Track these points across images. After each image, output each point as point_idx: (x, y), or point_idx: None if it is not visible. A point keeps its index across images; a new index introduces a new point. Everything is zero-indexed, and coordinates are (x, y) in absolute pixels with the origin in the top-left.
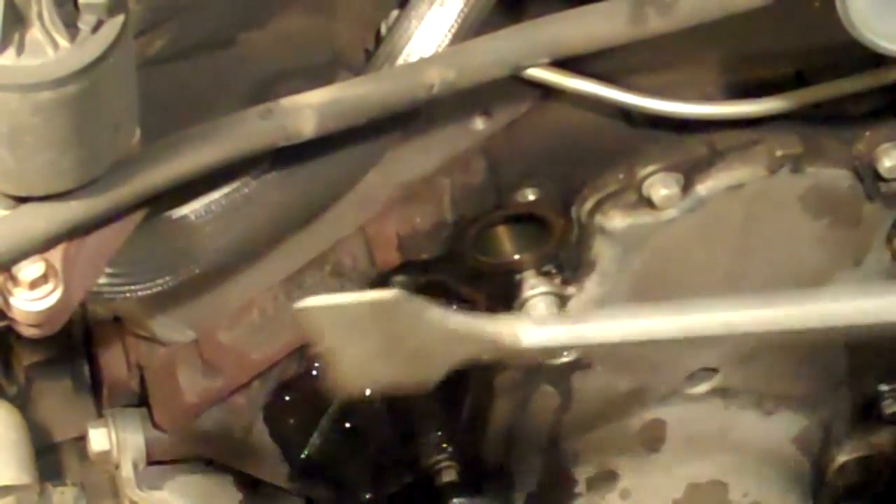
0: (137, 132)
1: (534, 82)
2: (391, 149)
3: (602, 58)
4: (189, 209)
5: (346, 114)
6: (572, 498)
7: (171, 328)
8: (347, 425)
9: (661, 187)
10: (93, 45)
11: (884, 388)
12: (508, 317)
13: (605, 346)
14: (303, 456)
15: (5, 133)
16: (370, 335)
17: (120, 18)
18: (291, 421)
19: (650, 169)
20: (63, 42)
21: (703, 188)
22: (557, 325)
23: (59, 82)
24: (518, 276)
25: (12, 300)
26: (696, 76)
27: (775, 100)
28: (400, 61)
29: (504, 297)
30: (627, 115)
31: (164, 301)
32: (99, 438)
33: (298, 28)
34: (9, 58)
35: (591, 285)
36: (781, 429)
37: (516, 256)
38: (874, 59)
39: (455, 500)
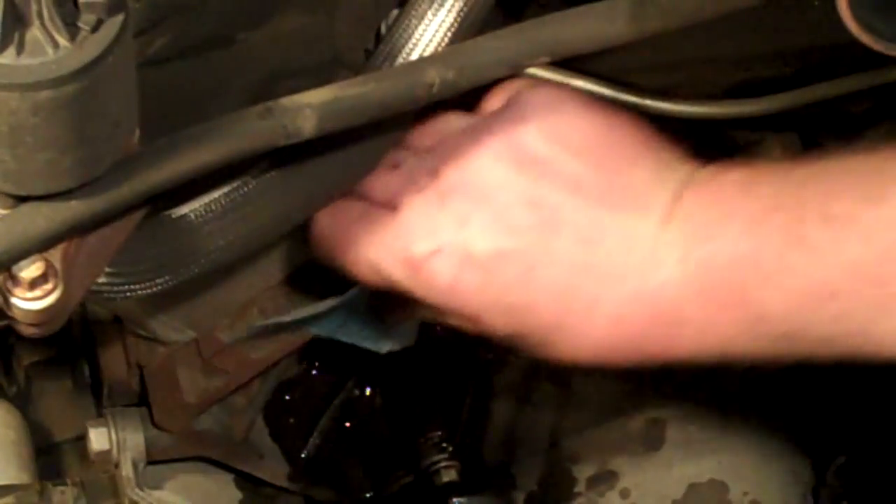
0: (137, 132)
1: None
2: (391, 148)
3: (602, 58)
4: (189, 209)
5: (346, 113)
6: (572, 497)
7: (172, 327)
8: (347, 425)
9: None
10: (93, 45)
11: None
12: None
13: None
14: (303, 456)
15: (5, 132)
16: None
17: (120, 18)
18: (291, 421)
19: None
20: (63, 41)
21: None
22: None
23: (59, 81)
24: None
25: (12, 299)
26: (696, 76)
27: (775, 100)
28: (400, 61)
29: None
30: None
31: (164, 301)
32: (99, 438)
33: (298, 28)
34: (8, 57)
35: None
36: (782, 428)
37: None
38: (874, 59)
39: (455, 500)
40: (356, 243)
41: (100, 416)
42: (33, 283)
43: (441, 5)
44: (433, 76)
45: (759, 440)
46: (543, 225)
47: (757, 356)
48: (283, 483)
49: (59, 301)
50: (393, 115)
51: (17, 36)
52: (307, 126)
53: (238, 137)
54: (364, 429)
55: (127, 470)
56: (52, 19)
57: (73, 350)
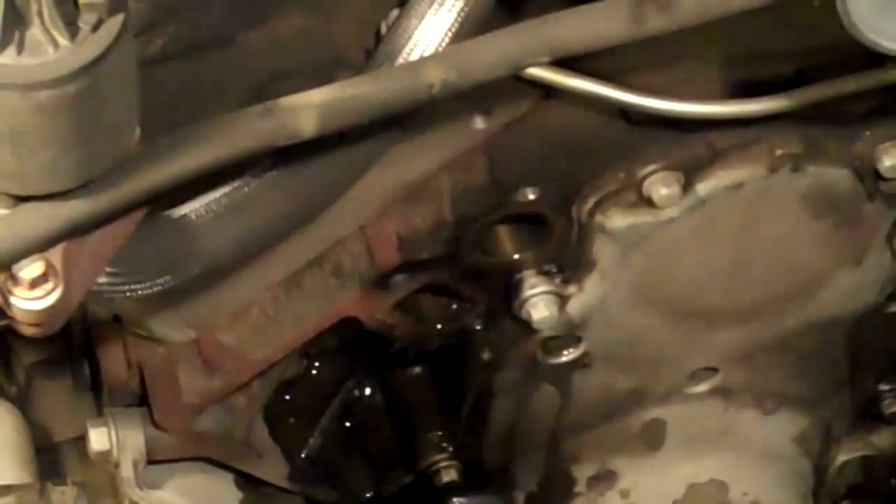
0: (137, 132)
1: (534, 82)
2: (391, 149)
3: (602, 57)
4: (189, 209)
5: (346, 113)
6: (572, 497)
7: (171, 328)
8: (347, 425)
9: (661, 187)
10: (93, 44)
11: (884, 387)
12: None
13: None
14: (303, 456)
15: (6, 132)
16: None
17: (120, 17)
18: (291, 421)
19: (650, 168)
20: (63, 41)
21: (703, 187)
22: None
23: (60, 81)
24: (518, 276)
25: (12, 299)
26: (696, 76)
27: (775, 99)
28: (400, 61)
29: (504, 297)
30: (627, 115)
31: (164, 301)
32: (99, 438)
33: (298, 28)
34: (9, 57)
35: (591, 284)
36: (781, 429)
37: (516, 256)
38: (874, 59)
39: (455, 500)
40: None
41: (100, 415)
42: (34, 283)
43: (441, 5)
44: (433, 76)
45: (759, 440)
46: None
47: None
48: (283, 483)
49: (59, 301)
50: (393, 115)
51: (17, 35)
52: (307, 126)
53: (238, 137)
54: (364, 429)
55: (127, 470)
56: (52, 19)
57: (73, 350)
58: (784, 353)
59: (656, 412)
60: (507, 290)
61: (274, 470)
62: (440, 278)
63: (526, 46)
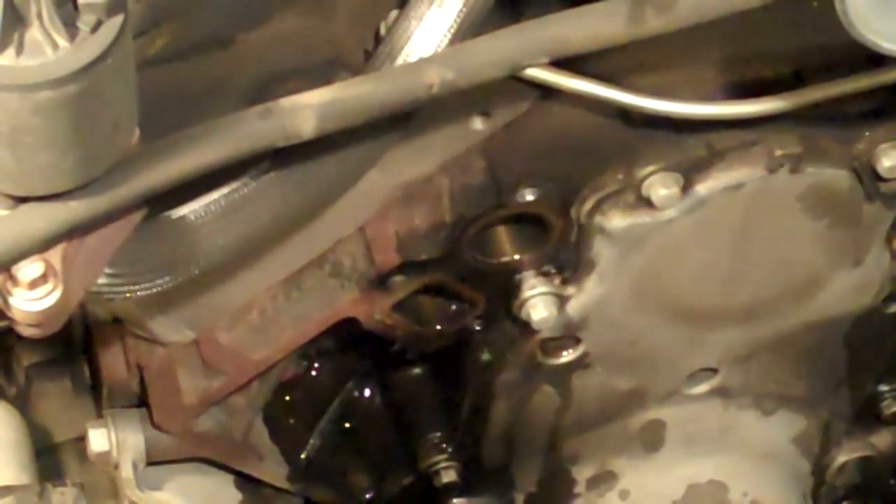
0: (137, 132)
1: (533, 82)
2: (391, 149)
3: (601, 58)
4: (189, 209)
5: (345, 114)
6: (572, 498)
7: (171, 328)
8: (347, 425)
9: (660, 187)
10: (92, 45)
11: (883, 388)
12: None
13: None
14: (302, 457)
15: (5, 133)
16: None
17: (119, 18)
18: (291, 421)
19: (649, 169)
20: (62, 42)
21: (702, 188)
22: None
23: (59, 82)
24: (518, 276)
25: (12, 300)
26: (696, 76)
27: (775, 100)
28: (399, 61)
29: (504, 297)
30: (626, 116)
31: (164, 301)
32: (99, 439)
33: (298, 28)
34: (8, 58)
35: (591, 285)
36: (781, 429)
37: (516, 256)
38: (873, 59)
39: (455, 501)
40: None
41: (99, 416)
42: (33, 284)
43: (440, 6)
44: (432, 76)
45: (758, 441)
46: None
47: None
48: (283, 484)
49: (58, 302)
50: (392, 115)
51: (16, 37)
52: (307, 126)
53: (238, 138)
54: (364, 429)
55: (126, 471)
56: (51, 20)
57: (73, 351)
58: (783, 353)
59: (656, 413)
60: (506, 291)
61: (273, 470)
62: (439, 279)
63: (525, 47)
